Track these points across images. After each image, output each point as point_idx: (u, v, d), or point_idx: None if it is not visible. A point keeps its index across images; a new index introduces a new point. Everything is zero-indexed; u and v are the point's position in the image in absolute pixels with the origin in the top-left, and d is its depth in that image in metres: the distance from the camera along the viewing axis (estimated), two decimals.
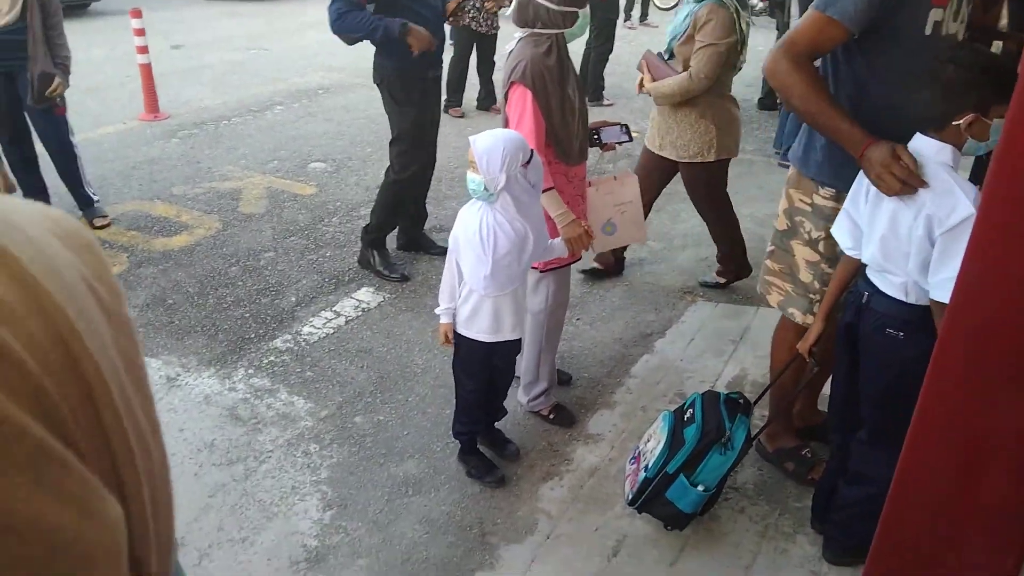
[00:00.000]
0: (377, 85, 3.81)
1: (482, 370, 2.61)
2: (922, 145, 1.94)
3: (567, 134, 2.67)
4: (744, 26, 3.59)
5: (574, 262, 2.85)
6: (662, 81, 3.57)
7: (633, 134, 3.15)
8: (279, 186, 5.11)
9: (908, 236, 1.94)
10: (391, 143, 3.92)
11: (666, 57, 3.69)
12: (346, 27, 3.53)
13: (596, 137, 2.89)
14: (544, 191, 2.55)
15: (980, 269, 1.28)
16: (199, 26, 9.69)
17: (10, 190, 3.80)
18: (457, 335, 2.55)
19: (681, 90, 3.50)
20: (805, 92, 2.07)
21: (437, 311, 2.57)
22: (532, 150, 2.38)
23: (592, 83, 7.25)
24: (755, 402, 2.58)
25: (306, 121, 6.46)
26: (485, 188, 2.29)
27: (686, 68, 3.52)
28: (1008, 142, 1.19)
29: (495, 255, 2.37)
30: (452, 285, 2.51)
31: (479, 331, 2.50)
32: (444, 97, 6.61)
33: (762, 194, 5.29)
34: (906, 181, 1.89)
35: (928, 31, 2.09)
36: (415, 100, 3.77)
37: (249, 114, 6.54)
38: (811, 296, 2.44)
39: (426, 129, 3.91)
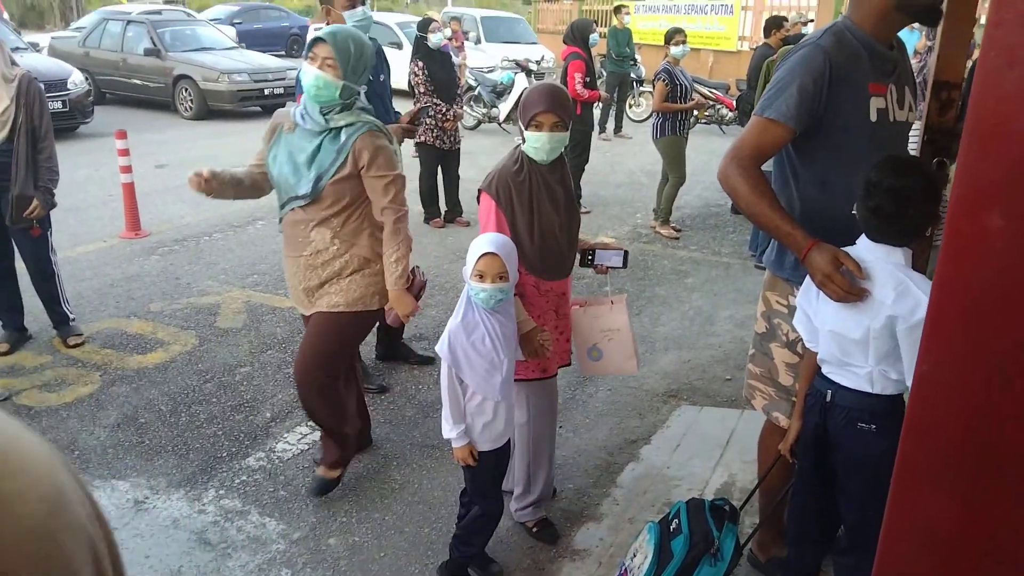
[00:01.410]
0: None
1: (497, 482, 2.60)
2: (869, 248, 1.96)
3: (538, 249, 2.65)
4: None
5: (547, 376, 2.78)
6: None
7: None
8: (258, 300, 5.09)
9: (866, 334, 1.93)
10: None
11: None
12: None
13: (590, 257, 2.82)
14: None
15: (935, 359, 1.26)
16: (184, 147, 9.92)
17: None
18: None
19: None
20: (750, 195, 2.12)
21: (448, 435, 2.46)
22: None
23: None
24: (741, 508, 2.49)
25: None
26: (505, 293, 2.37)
27: None
28: (950, 242, 1.19)
29: (508, 355, 2.41)
30: (459, 404, 2.43)
31: (497, 438, 2.49)
32: (421, 211, 6.75)
33: (739, 296, 5.33)
34: (849, 292, 1.90)
35: (874, 118, 2.15)
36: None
37: (230, 230, 6.60)
38: (793, 399, 2.39)
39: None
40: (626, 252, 2.83)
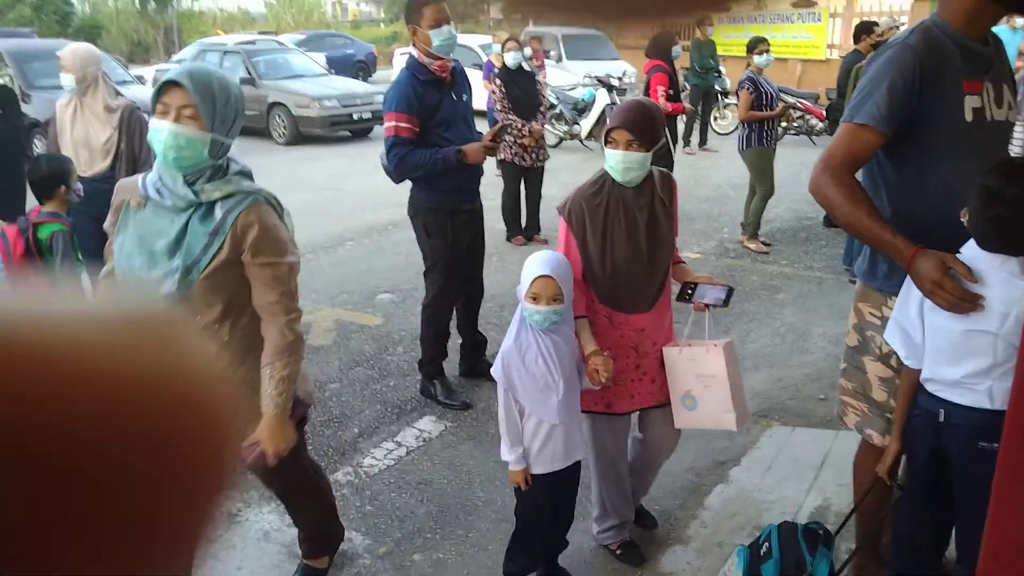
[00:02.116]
0: (411, 218, 3.95)
1: (549, 502, 2.50)
2: (980, 256, 1.84)
3: (609, 277, 2.53)
4: None
5: (612, 413, 2.62)
6: None
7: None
8: (347, 318, 5.22)
9: (984, 345, 1.81)
10: (424, 274, 4.02)
11: None
12: (407, 168, 3.70)
13: (690, 293, 2.57)
14: (576, 318, 2.51)
15: None
16: (279, 171, 10.31)
17: None
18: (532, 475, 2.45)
19: None
20: (845, 205, 2.03)
21: (506, 458, 2.46)
22: None
23: None
24: (837, 532, 2.38)
25: (375, 255, 6.67)
26: (559, 314, 2.32)
27: None
28: None
29: (564, 377, 2.33)
30: (517, 426, 2.41)
31: (554, 461, 2.42)
32: (503, 229, 6.80)
33: (833, 312, 5.12)
34: (963, 299, 1.79)
35: (969, 118, 2.04)
36: (447, 233, 3.86)
37: (321, 250, 6.81)
38: (888, 416, 2.28)
39: (459, 261, 3.96)
40: (731, 289, 2.56)
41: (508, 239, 6.87)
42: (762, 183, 6.45)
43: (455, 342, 4.26)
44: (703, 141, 11.47)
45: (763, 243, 6.62)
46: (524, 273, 2.35)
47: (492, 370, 2.43)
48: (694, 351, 2.53)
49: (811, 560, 2.17)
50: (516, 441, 2.41)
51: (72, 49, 4.14)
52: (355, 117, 12.66)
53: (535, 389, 2.34)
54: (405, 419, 3.90)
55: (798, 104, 11.07)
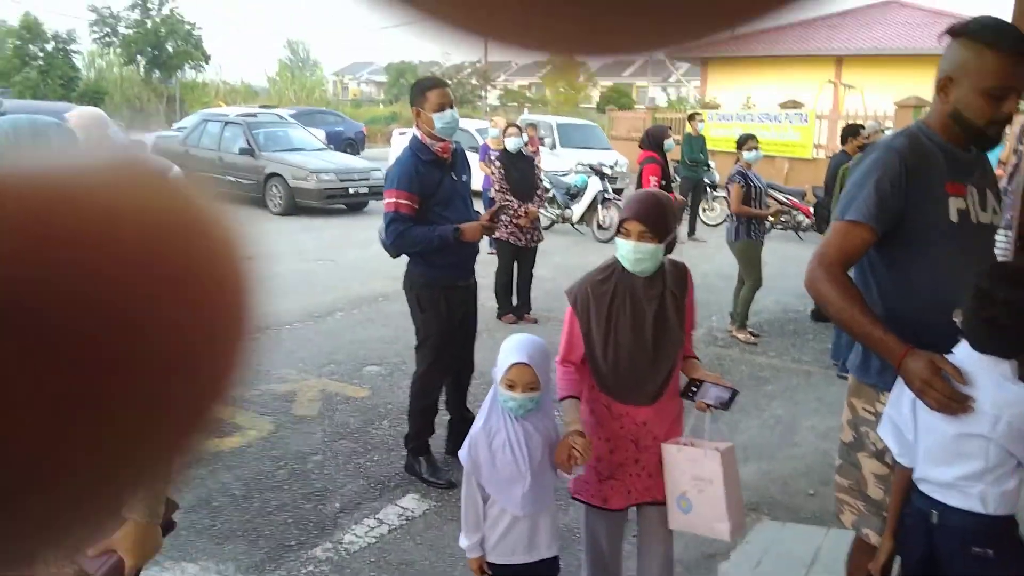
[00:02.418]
0: (406, 292, 3.97)
1: None
2: (972, 358, 1.86)
3: (611, 366, 2.45)
4: None
5: (607, 508, 2.49)
6: None
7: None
8: (333, 388, 5.17)
9: (975, 447, 1.81)
10: (416, 348, 4.01)
11: None
12: (406, 244, 3.75)
13: (693, 391, 2.47)
14: (561, 399, 2.44)
15: None
16: (276, 239, 10.38)
17: None
18: (490, 564, 2.35)
19: None
20: (839, 301, 2.07)
21: (462, 543, 2.39)
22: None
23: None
24: None
25: (364, 326, 6.66)
26: (535, 402, 2.27)
27: None
28: None
29: (532, 467, 2.27)
30: (477, 512, 2.34)
31: (515, 553, 2.33)
32: (495, 307, 6.83)
33: (821, 406, 5.13)
34: (953, 399, 1.81)
35: (955, 219, 2.10)
36: (440, 308, 3.88)
37: (311, 320, 6.79)
38: (884, 514, 2.23)
39: (451, 337, 3.97)
40: (735, 392, 2.46)
41: (498, 317, 6.89)
42: (750, 274, 6.55)
43: (443, 418, 4.21)
44: (691, 231, 11.68)
45: (751, 333, 6.66)
46: (501, 356, 2.30)
47: (459, 452, 2.37)
48: (693, 452, 2.40)
49: None
50: (474, 528, 2.33)
51: (79, 112, 4.21)
52: (351, 191, 12.84)
53: (500, 477, 2.27)
54: (388, 496, 3.81)
55: (787, 200, 11.36)
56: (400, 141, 14.02)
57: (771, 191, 9.30)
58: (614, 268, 2.48)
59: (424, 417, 4.02)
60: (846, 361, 2.83)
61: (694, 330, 2.71)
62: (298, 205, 12.58)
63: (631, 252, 2.39)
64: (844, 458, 2.37)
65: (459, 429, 4.21)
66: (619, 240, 2.42)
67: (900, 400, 1.99)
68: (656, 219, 2.39)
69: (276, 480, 3.92)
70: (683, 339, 2.53)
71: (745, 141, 6.80)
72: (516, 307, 7.00)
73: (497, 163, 6.70)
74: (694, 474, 2.37)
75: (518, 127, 7.11)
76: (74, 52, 31.70)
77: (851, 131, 7.38)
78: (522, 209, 6.61)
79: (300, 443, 4.34)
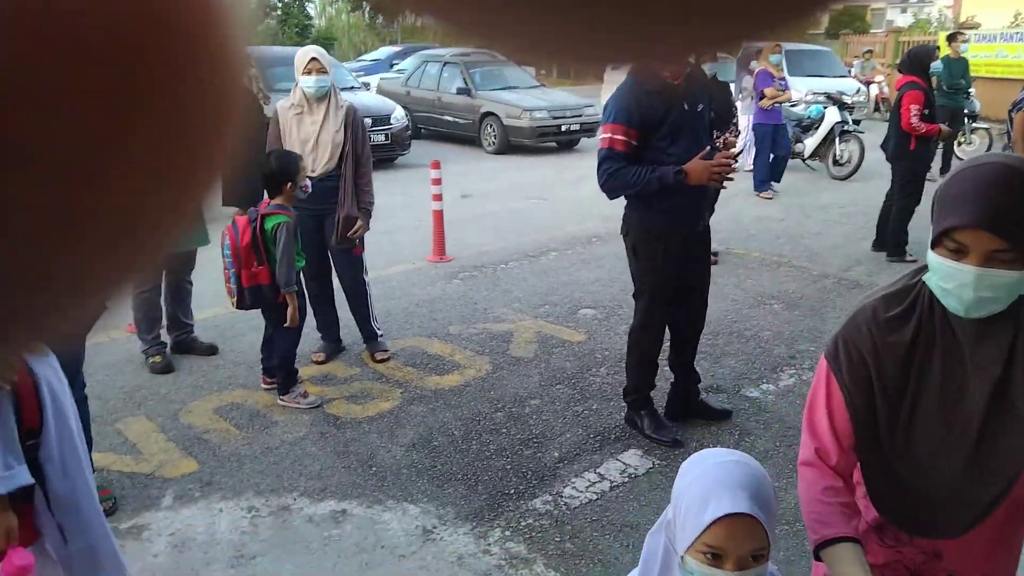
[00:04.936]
0: (623, 236, 3.62)
1: None
2: None
3: (898, 475, 1.47)
4: None
5: None
6: None
7: None
8: (549, 331, 5.02)
9: None
10: (634, 296, 3.67)
11: None
12: (618, 186, 3.39)
13: None
14: (818, 546, 1.42)
15: None
16: (488, 177, 10.44)
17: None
18: None
19: None
20: None
21: None
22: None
23: (893, 238, 6.54)
24: None
25: (579, 268, 6.45)
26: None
27: None
28: None
29: None
30: None
31: None
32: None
33: None
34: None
35: None
36: (657, 258, 3.48)
37: (525, 259, 6.69)
38: None
39: (667, 289, 3.56)
40: None
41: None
42: None
43: (665, 375, 3.90)
44: (945, 167, 10.25)
45: None
46: (684, 498, 1.29)
47: None
48: None
49: None
50: None
51: (322, 52, 4.27)
52: (563, 128, 12.61)
53: None
54: (608, 449, 3.60)
55: None
56: (613, 76, 13.48)
57: None
58: (918, 299, 1.42)
59: (642, 370, 3.73)
60: None
61: None
62: (511, 143, 12.58)
63: (971, 284, 1.29)
64: None
65: (683, 391, 3.87)
66: (939, 259, 1.33)
67: None
68: (1019, 220, 1.27)
69: (494, 423, 3.83)
70: None
71: None
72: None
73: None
74: None
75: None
76: (307, 1, 34.13)
77: None
78: (720, 140, 6.00)
79: (517, 386, 4.24)
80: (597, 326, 5.13)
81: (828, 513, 1.42)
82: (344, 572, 2.73)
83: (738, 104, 6.18)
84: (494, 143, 12.76)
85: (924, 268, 1.39)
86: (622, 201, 3.58)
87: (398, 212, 8.31)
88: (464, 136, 13.43)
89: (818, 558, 1.42)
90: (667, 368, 3.87)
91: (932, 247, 1.34)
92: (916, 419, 1.42)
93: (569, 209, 8.47)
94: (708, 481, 1.27)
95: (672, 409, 3.86)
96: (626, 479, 3.35)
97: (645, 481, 3.34)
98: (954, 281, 1.32)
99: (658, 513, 3.13)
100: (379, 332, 4.63)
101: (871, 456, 1.48)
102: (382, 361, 4.50)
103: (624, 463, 3.48)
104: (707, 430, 3.76)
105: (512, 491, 3.26)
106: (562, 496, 3.23)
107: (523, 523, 3.04)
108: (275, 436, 3.67)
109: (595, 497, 3.22)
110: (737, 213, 7.82)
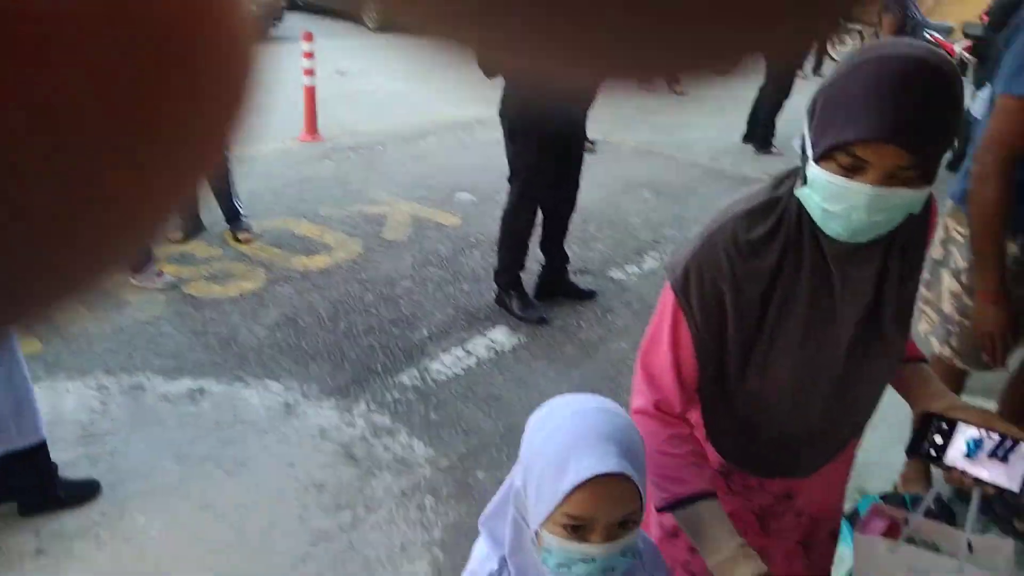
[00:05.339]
0: (500, 117, 3.57)
1: None
2: None
3: (761, 405, 1.27)
4: None
5: None
6: None
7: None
8: (424, 215, 4.95)
9: None
10: (508, 179, 3.65)
11: None
12: None
13: (937, 441, 1.23)
14: (682, 500, 1.20)
15: None
16: (365, 55, 9.97)
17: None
18: None
19: None
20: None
21: None
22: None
23: (761, 130, 6.77)
24: None
25: (458, 152, 6.35)
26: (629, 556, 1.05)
27: None
28: None
29: None
30: None
31: None
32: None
33: None
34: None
35: None
36: (532, 139, 3.47)
37: (403, 142, 6.51)
38: (948, 327, 2.36)
39: (544, 170, 3.58)
40: None
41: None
42: None
43: (537, 257, 3.95)
44: (818, 66, 10.59)
45: None
46: (538, 461, 1.04)
47: None
48: (932, 559, 1.25)
49: None
50: None
51: None
52: None
53: None
54: (477, 327, 3.65)
55: None
56: None
57: None
58: (782, 215, 1.19)
59: (513, 252, 3.75)
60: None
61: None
62: (395, 21, 11.99)
63: (865, 207, 1.06)
64: (931, 273, 2.42)
65: (552, 272, 3.94)
66: (828, 178, 1.07)
67: None
68: (932, 133, 1.02)
69: (364, 304, 3.79)
70: (903, 353, 1.30)
71: None
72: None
73: None
74: None
75: None
76: None
77: None
78: None
79: (389, 268, 4.19)
80: (473, 210, 5.10)
81: (678, 467, 1.21)
82: (201, 448, 2.68)
83: None
84: (374, 18, 12.14)
85: (788, 176, 1.20)
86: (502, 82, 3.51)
87: (269, 88, 7.85)
88: (343, 10, 12.68)
89: (661, 510, 1.23)
90: (539, 251, 3.92)
91: (817, 160, 1.07)
92: (774, 355, 1.21)
93: (451, 92, 8.25)
94: (565, 437, 1.02)
95: (541, 289, 3.95)
96: (492, 355, 3.42)
97: (511, 356, 3.42)
98: (843, 203, 1.06)
99: (521, 386, 3.25)
100: (243, 212, 4.43)
101: (718, 400, 1.28)
102: (245, 242, 4.32)
103: (491, 340, 3.54)
104: (572, 308, 3.86)
105: (379, 367, 3.26)
106: (428, 371, 3.26)
107: (388, 397, 3.06)
108: (127, 315, 3.49)
109: (461, 372, 3.27)
110: (616, 102, 7.85)
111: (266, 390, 3.03)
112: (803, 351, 1.20)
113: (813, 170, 1.08)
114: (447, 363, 3.33)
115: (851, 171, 1.04)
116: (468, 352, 3.42)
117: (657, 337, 1.25)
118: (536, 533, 1.04)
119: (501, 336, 3.58)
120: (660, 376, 1.24)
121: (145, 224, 0.17)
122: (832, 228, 1.11)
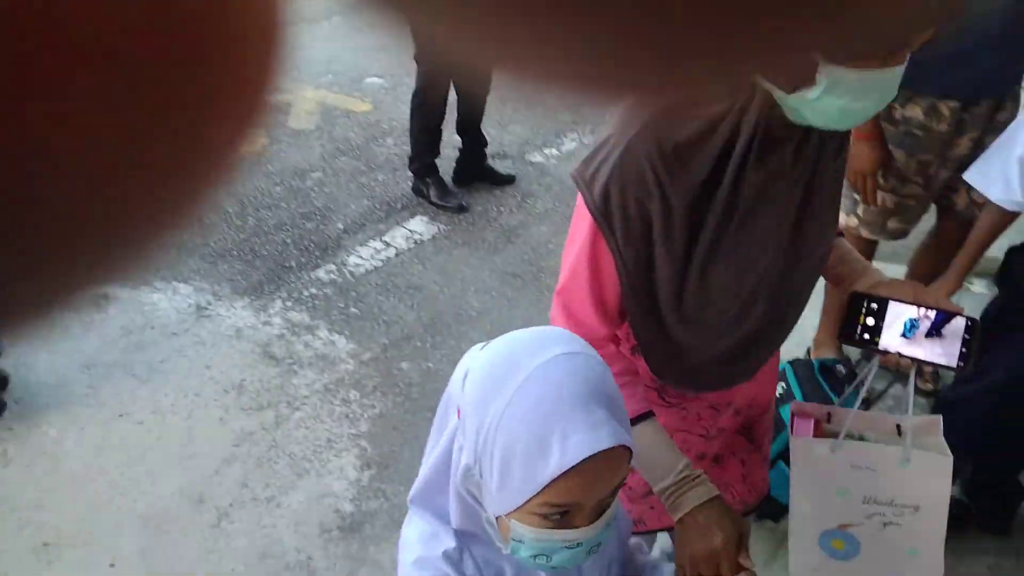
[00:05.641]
0: None
1: None
2: None
3: (693, 317, 1.13)
4: None
5: (648, 531, 1.37)
6: None
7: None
8: (332, 101, 4.72)
9: None
10: (415, 59, 3.46)
11: None
12: None
13: (864, 327, 1.18)
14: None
15: None
16: None
17: None
18: None
19: None
20: None
21: None
22: None
23: None
24: None
25: (366, 33, 6.00)
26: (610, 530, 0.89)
27: None
28: None
29: None
30: None
31: None
32: None
33: None
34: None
35: None
36: None
37: (304, 23, 6.11)
38: (855, 197, 2.29)
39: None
40: (974, 321, 1.14)
41: None
42: None
43: (454, 142, 3.82)
44: None
45: None
46: (501, 439, 0.80)
47: None
48: (865, 451, 1.22)
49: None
50: None
51: None
52: None
53: None
54: (395, 218, 3.55)
55: None
56: None
57: None
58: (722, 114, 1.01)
59: (426, 136, 3.62)
60: None
61: None
62: None
63: (894, 87, 0.94)
64: None
65: (470, 157, 3.84)
66: (855, 73, 0.91)
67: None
68: None
69: (272, 198, 3.63)
70: (836, 231, 1.22)
71: None
72: None
73: None
74: (878, 495, 1.22)
75: None
76: None
77: None
78: None
79: (297, 159, 4.00)
80: (384, 95, 4.88)
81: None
82: (110, 355, 2.57)
83: None
84: None
85: None
86: None
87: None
88: None
89: None
90: (455, 136, 3.80)
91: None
92: (712, 275, 1.07)
93: None
94: (539, 404, 0.79)
95: (459, 175, 3.85)
96: (412, 245, 3.35)
97: (431, 246, 3.36)
98: (873, 93, 0.92)
99: (442, 274, 3.22)
100: None
101: (649, 328, 1.14)
102: None
103: (410, 230, 3.46)
104: (491, 194, 3.79)
105: (293, 263, 3.16)
106: (346, 265, 3.18)
107: (305, 293, 2.98)
108: None
109: (381, 264, 3.21)
110: None
111: (175, 293, 2.91)
112: (747, 252, 1.07)
113: (838, 72, 0.89)
114: (365, 256, 3.25)
115: (885, 59, 0.91)
116: (386, 244, 3.35)
117: (575, 277, 1.09)
118: (497, 518, 0.84)
119: (420, 225, 3.50)
120: (581, 314, 1.11)
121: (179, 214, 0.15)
122: (840, 123, 0.96)
